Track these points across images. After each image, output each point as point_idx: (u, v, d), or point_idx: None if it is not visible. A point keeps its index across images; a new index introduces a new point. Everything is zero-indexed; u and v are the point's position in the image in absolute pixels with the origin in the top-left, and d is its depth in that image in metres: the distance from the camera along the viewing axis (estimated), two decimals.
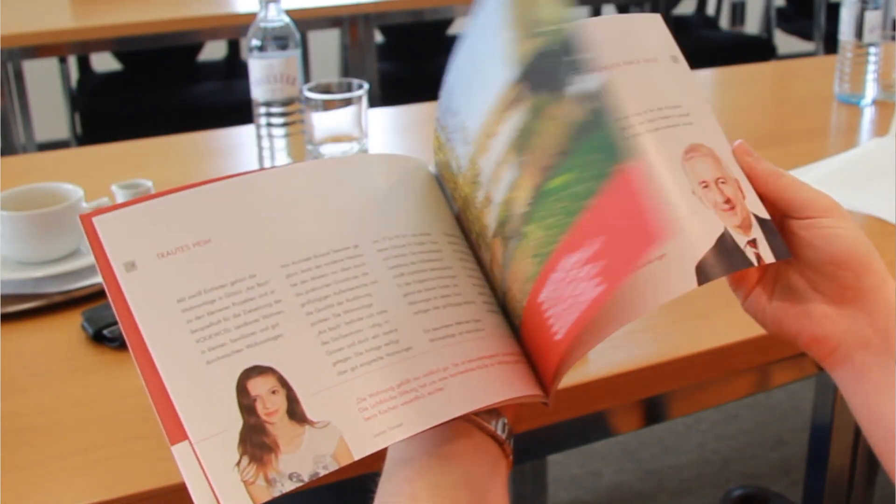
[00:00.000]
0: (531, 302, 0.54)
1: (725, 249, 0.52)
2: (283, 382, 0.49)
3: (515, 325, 0.57)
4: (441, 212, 0.60)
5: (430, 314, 0.53)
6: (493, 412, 0.54)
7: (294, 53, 1.20)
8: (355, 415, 0.49)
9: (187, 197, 0.53)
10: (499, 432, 0.53)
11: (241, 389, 0.49)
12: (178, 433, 0.48)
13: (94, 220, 0.51)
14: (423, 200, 0.59)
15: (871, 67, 1.50)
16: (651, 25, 0.59)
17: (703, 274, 0.51)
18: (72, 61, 2.87)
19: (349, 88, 1.24)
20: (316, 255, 0.53)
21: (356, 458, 0.48)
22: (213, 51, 3.04)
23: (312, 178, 0.57)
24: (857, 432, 1.17)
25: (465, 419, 0.51)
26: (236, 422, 0.48)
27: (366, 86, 1.23)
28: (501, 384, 0.53)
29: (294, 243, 0.53)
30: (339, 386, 0.50)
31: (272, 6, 1.20)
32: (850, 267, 0.54)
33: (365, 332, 0.52)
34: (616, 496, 1.88)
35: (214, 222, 0.53)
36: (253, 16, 1.24)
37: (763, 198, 0.56)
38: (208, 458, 0.47)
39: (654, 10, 2.41)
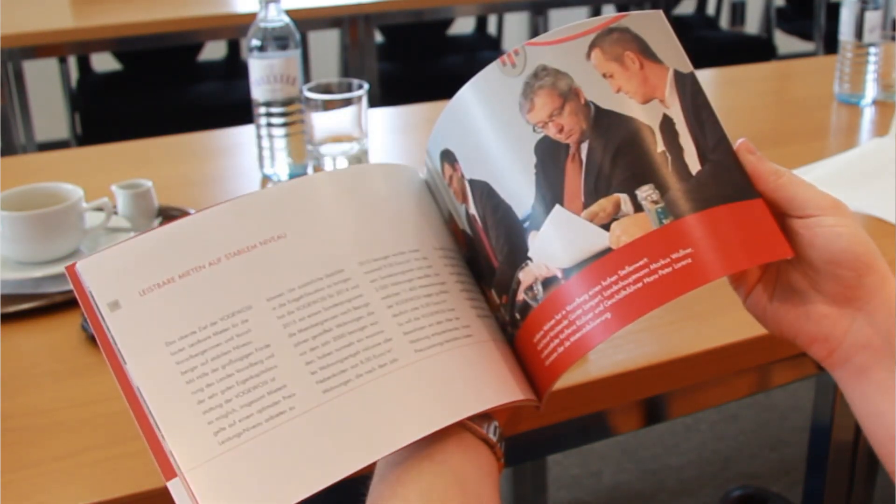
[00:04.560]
0: (532, 315, 0.54)
1: None
2: None
3: (510, 331, 0.57)
4: (432, 224, 0.60)
5: (419, 328, 0.53)
6: (484, 416, 0.54)
7: (294, 53, 1.20)
8: (348, 428, 0.49)
9: (166, 233, 0.54)
10: (490, 436, 0.53)
11: None
12: (171, 470, 0.48)
13: (77, 265, 0.52)
14: (414, 215, 0.59)
15: (871, 67, 1.50)
16: (653, 24, 0.59)
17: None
18: (72, 61, 2.87)
19: (349, 88, 1.24)
20: (301, 283, 0.53)
21: (349, 472, 0.48)
22: (213, 51, 3.04)
23: (298, 199, 0.56)
24: (857, 432, 1.17)
25: (457, 423, 0.51)
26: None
27: (366, 86, 1.23)
28: (493, 389, 0.53)
29: (278, 272, 0.53)
30: (327, 403, 0.50)
31: (272, 6, 1.20)
32: (851, 266, 0.54)
33: (355, 346, 0.52)
34: (616, 496, 1.88)
35: (194, 256, 0.53)
36: (253, 16, 1.24)
37: (764, 196, 0.55)
38: (199, 487, 0.48)
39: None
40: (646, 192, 0.54)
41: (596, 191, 0.54)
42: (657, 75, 0.57)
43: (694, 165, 0.55)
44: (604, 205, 0.54)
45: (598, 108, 0.56)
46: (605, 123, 0.56)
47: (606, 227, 0.53)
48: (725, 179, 0.55)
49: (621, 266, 0.52)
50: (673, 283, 0.51)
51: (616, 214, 0.54)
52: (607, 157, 0.55)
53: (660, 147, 0.55)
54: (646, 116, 0.56)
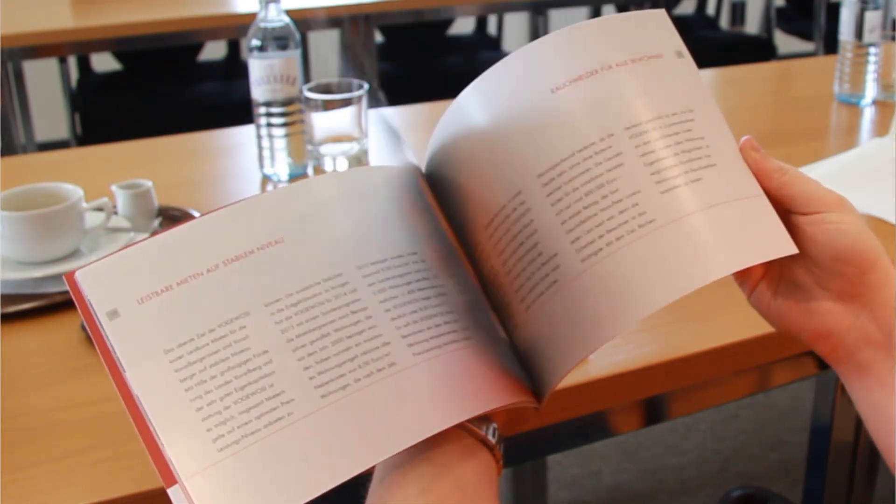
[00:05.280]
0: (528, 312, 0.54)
1: None
2: None
3: (510, 329, 0.57)
4: (431, 226, 0.60)
5: (417, 331, 0.53)
6: (483, 418, 0.54)
7: (294, 53, 1.20)
8: (347, 433, 0.49)
9: (164, 240, 0.53)
10: (489, 437, 0.53)
11: None
12: (171, 477, 0.49)
13: (76, 274, 0.52)
14: (412, 217, 0.59)
15: (871, 67, 1.50)
16: (655, 21, 0.59)
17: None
18: (72, 61, 2.87)
19: (349, 88, 1.24)
20: (299, 289, 0.53)
21: (347, 477, 0.48)
22: (213, 51, 3.04)
23: (296, 203, 0.55)
24: (858, 432, 1.17)
25: (456, 425, 0.51)
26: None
27: (366, 86, 1.23)
28: (492, 391, 0.53)
29: (276, 278, 0.53)
30: (325, 409, 0.50)
31: (272, 6, 1.20)
32: (854, 263, 0.54)
33: (353, 351, 0.51)
34: (616, 496, 1.88)
35: (192, 263, 0.53)
36: (253, 16, 1.24)
37: (768, 193, 0.55)
38: (198, 494, 0.48)
39: None
40: None
41: None
42: None
43: None
44: None
45: None
46: None
47: None
48: None
49: None
50: None
51: None
52: None
53: None
54: None
